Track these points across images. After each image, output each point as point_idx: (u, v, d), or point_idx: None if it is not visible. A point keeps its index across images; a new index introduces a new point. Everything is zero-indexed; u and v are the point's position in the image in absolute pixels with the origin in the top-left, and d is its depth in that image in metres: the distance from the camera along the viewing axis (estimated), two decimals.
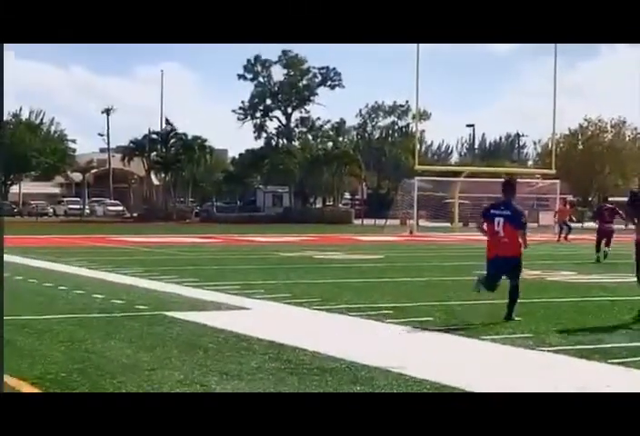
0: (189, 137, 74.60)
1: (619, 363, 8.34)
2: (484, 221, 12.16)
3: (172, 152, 74.32)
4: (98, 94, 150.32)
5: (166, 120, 75.27)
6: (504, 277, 11.79)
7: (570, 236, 35.59)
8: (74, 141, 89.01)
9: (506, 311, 11.35)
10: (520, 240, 11.65)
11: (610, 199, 31.84)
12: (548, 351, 9.06)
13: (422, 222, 51.71)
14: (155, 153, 74.24)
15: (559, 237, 36.48)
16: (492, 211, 11.96)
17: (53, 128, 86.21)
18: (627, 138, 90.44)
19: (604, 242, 24.56)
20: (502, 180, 14.66)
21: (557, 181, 52.30)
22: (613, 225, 25.13)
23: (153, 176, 79.65)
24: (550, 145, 69.10)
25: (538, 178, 59.91)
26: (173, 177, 75.68)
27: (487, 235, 12.11)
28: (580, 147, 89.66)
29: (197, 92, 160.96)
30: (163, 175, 77.01)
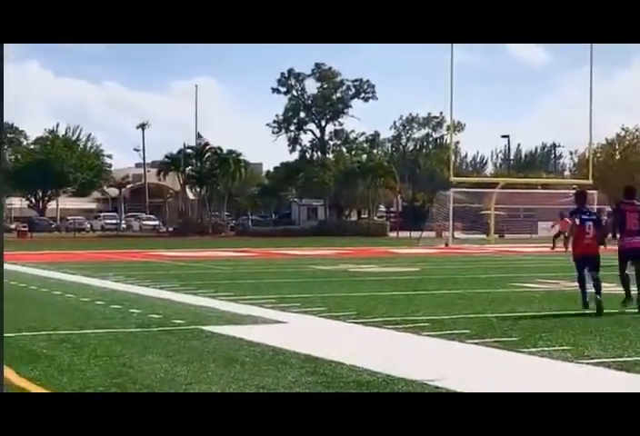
0: (224, 151, 74.94)
1: None
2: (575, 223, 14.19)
3: (207, 166, 74.66)
4: (133, 110, 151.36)
5: (198, 134, 75.75)
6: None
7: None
8: (110, 156, 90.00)
9: (596, 300, 13.44)
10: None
11: None
12: (587, 363, 8.98)
13: (457, 234, 51.47)
14: (189, 167, 74.61)
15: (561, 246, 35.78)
16: (583, 216, 14.19)
17: (89, 144, 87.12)
18: None
19: None
20: (574, 191, 18.82)
21: (595, 191, 51.92)
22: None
23: (188, 191, 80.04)
24: (587, 155, 68.63)
25: (574, 189, 59.44)
26: (208, 191, 76.01)
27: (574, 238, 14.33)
28: (617, 157, 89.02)
29: (231, 106, 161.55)
30: (198, 190, 77.37)
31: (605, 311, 13.23)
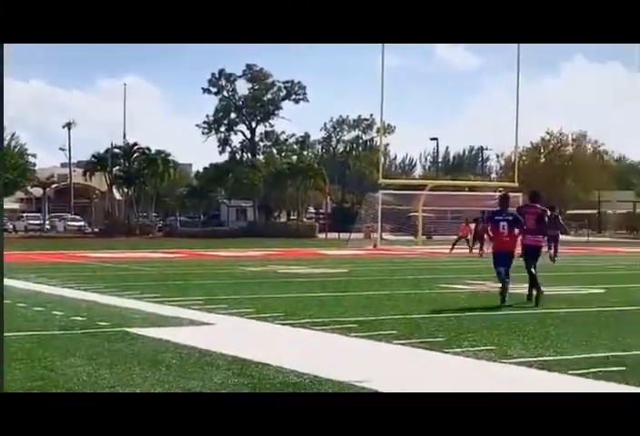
0: (152, 151, 74.32)
1: (578, 375, 8.38)
2: (490, 225, 16.04)
3: (134, 166, 73.96)
4: (60, 108, 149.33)
5: (124, 135, 75.11)
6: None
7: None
8: (34, 155, 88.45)
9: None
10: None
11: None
12: (510, 363, 9.09)
13: (386, 236, 51.76)
14: (117, 167, 73.84)
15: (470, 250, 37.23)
16: (496, 217, 15.80)
17: (13, 143, 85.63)
18: (588, 151, 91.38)
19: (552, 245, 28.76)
20: (499, 194, 20.02)
21: (520, 194, 52.56)
22: (557, 231, 30.01)
23: (115, 191, 79.20)
24: (513, 159, 69.58)
25: (501, 191, 60.21)
26: (135, 192, 75.28)
27: (493, 236, 15.88)
28: (542, 160, 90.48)
29: (161, 106, 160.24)
30: (125, 190, 76.59)
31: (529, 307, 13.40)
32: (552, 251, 30.48)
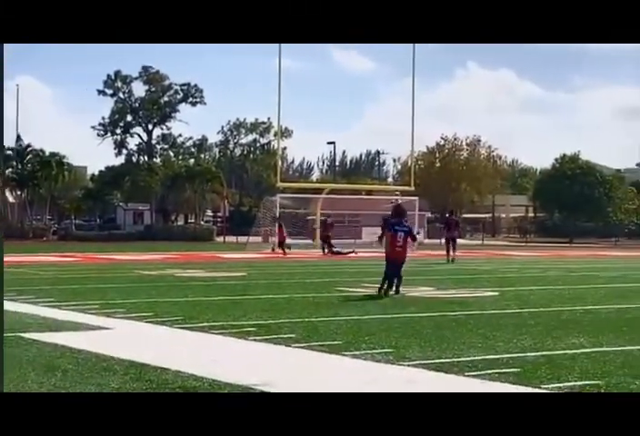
0: (46, 154, 72.95)
1: (475, 376, 8.55)
2: (388, 233, 18.17)
3: (28, 168, 72.49)
4: None
5: (17, 136, 73.53)
6: None
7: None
8: None
9: (395, 290, 17.46)
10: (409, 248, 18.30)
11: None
12: (408, 365, 9.21)
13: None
14: (9, 169, 72.23)
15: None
16: (396, 227, 17.91)
17: None
18: (482, 156, 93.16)
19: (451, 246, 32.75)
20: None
21: (416, 198, 53.35)
22: (456, 233, 34.08)
23: (8, 193, 77.45)
24: (409, 163, 70.49)
25: (397, 195, 60.94)
26: (29, 194, 73.77)
27: (388, 244, 17.92)
28: (438, 164, 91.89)
29: (55, 107, 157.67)
30: (18, 192, 74.99)
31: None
32: (451, 253, 32.17)
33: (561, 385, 8.07)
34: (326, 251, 40.90)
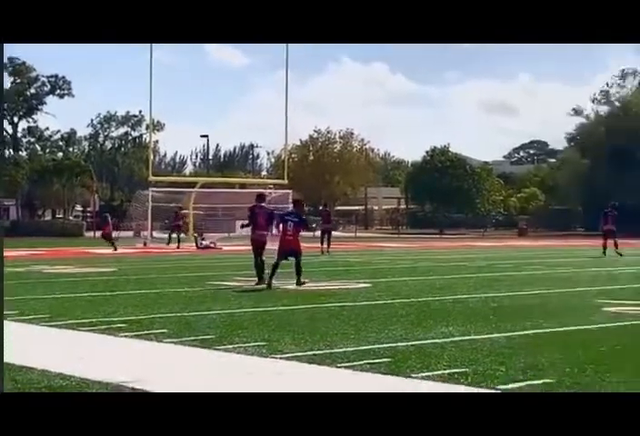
0: None
1: (347, 367, 8.61)
2: (281, 223, 18.61)
3: None
4: None
5: None
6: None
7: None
8: None
9: (297, 279, 17.84)
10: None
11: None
12: (281, 358, 9.21)
13: (156, 234, 51.23)
14: None
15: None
16: (286, 217, 18.53)
17: None
18: (355, 149, 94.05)
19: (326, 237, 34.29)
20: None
21: (290, 191, 53.49)
22: (330, 225, 35.82)
23: None
24: (283, 156, 70.65)
25: (272, 188, 61.02)
26: None
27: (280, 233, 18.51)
28: (311, 158, 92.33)
29: None
30: None
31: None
32: (325, 245, 32.86)
33: (430, 374, 8.20)
34: (171, 243, 42.22)
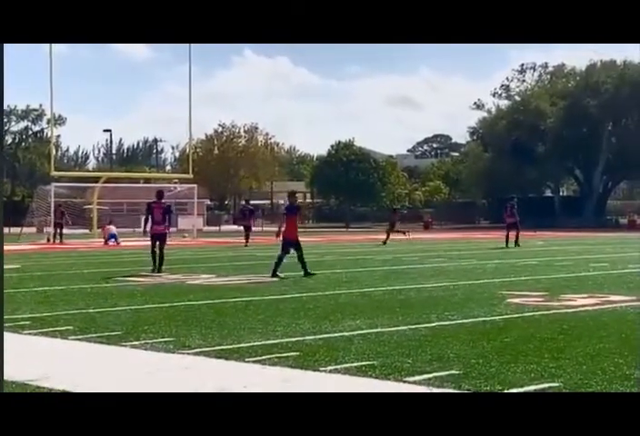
0: None
1: (255, 362, 8.64)
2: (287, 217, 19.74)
3: None
4: None
5: None
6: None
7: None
8: None
9: (303, 271, 18.99)
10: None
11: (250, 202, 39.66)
12: (189, 353, 9.19)
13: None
14: None
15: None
16: (289, 212, 19.74)
17: None
18: (260, 143, 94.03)
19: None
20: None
21: (195, 185, 53.23)
22: (252, 222, 39.06)
23: None
24: (187, 150, 70.20)
25: (176, 183, 60.63)
26: None
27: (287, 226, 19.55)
28: (216, 152, 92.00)
29: None
30: None
31: None
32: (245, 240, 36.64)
33: (338, 367, 8.28)
34: (56, 240, 42.56)
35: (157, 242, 21.03)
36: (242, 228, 39.88)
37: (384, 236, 39.02)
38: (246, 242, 36.75)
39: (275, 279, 18.43)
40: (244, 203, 44.57)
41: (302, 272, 19.00)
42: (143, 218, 22.77)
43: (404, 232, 40.79)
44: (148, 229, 21.35)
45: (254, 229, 40.12)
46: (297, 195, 23.58)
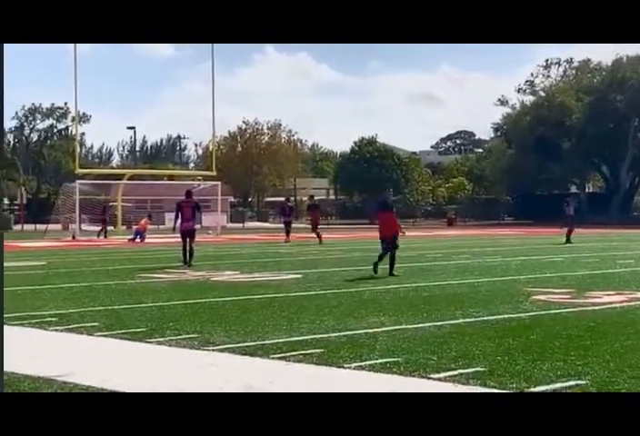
0: None
1: (280, 358, 8.63)
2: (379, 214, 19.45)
3: None
4: None
5: None
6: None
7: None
8: None
9: (389, 270, 18.20)
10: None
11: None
12: (213, 350, 9.20)
13: (85, 227, 50.69)
14: None
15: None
16: (381, 208, 19.38)
17: None
18: (283, 140, 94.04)
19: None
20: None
21: (218, 182, 53.29)
22: (291, 218, 38.56)
23: None
24: (210, 147, 70.28)
25: (200, 180, 60.74)
26: None
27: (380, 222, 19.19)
28: (239, 149, 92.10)
29: None
30: None
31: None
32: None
33: (363, 364, 8.26)
34: (100, 236, 43.72)
35: (187, 239, 22.28)
36: (282, 225, 39.68)
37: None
38: (288, 237, 36.87)
39: (396, 274, 18.17)
40: (284, 199, 44.78)
41: (384, 270, 18.37)
42: (173, 216, 24.06)
43: (318, 234, 35.69)
44: (178, 225, 22.75)
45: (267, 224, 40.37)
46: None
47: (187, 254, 22.18)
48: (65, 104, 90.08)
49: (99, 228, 45.60)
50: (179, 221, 22.63)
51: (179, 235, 22.71)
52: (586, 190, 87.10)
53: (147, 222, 41.99)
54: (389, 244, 18.75)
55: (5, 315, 5.85)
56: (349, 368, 8.11)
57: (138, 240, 39.52)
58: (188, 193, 23.34)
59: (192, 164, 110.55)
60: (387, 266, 18.37)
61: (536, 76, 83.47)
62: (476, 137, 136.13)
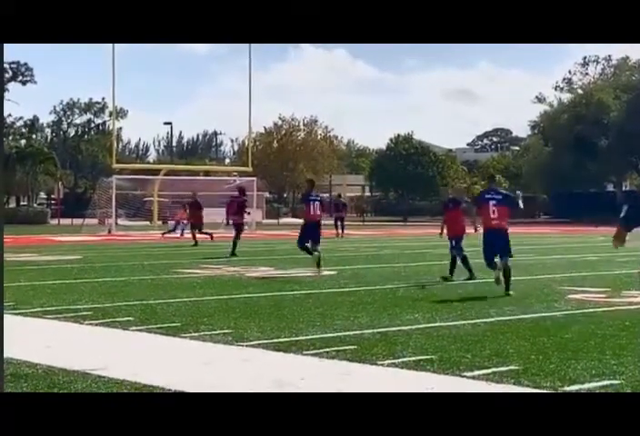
0: None
1: (313, 355, 8.64)
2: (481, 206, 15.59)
3: None
4: None
5: None
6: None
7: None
8: None
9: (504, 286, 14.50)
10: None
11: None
12: (247, 345, 9.23)
13: (121, 221, 51.01)
14: None
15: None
16: (486, 196, 15.34)
17: None
18: (319, 136, 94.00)
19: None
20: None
21: (254, 178, 53.41)
22: (343, 213, 41.04)
23: None
24: (247, 143, 70.45)
25: (235, 175, 60.89)
26: None
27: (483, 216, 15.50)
28: (275, 145, 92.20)
29: None
30: None
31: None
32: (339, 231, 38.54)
33: (396, 361, 8.25)
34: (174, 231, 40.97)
35: (234, 231, 24.82)
36: (332, 220, 40.17)
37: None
38: (342, 233, 38.93)
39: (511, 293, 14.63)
40: (336, 195, 46.87)
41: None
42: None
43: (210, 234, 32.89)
44: (231, 221, 25.29)
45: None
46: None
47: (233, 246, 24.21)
48: (103, 99, 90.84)
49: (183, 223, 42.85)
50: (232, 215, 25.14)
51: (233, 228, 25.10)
52: (623, 188, 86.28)
53: (184, 213, 41.20)
54: (455, 244, 17.65)
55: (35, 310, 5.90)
56: (382, 365, 8.10)
57: (178, 233, 38.05)
58: (240, 190, 26.33)
59: (228, 160, 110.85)
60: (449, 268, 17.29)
61: (574, 74, 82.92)
62: (513, 135, 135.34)
